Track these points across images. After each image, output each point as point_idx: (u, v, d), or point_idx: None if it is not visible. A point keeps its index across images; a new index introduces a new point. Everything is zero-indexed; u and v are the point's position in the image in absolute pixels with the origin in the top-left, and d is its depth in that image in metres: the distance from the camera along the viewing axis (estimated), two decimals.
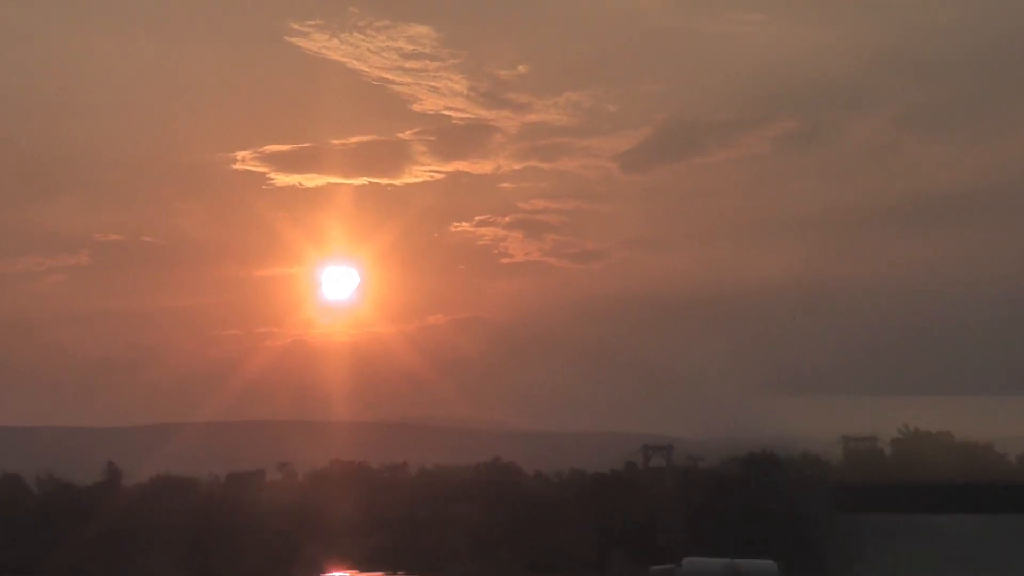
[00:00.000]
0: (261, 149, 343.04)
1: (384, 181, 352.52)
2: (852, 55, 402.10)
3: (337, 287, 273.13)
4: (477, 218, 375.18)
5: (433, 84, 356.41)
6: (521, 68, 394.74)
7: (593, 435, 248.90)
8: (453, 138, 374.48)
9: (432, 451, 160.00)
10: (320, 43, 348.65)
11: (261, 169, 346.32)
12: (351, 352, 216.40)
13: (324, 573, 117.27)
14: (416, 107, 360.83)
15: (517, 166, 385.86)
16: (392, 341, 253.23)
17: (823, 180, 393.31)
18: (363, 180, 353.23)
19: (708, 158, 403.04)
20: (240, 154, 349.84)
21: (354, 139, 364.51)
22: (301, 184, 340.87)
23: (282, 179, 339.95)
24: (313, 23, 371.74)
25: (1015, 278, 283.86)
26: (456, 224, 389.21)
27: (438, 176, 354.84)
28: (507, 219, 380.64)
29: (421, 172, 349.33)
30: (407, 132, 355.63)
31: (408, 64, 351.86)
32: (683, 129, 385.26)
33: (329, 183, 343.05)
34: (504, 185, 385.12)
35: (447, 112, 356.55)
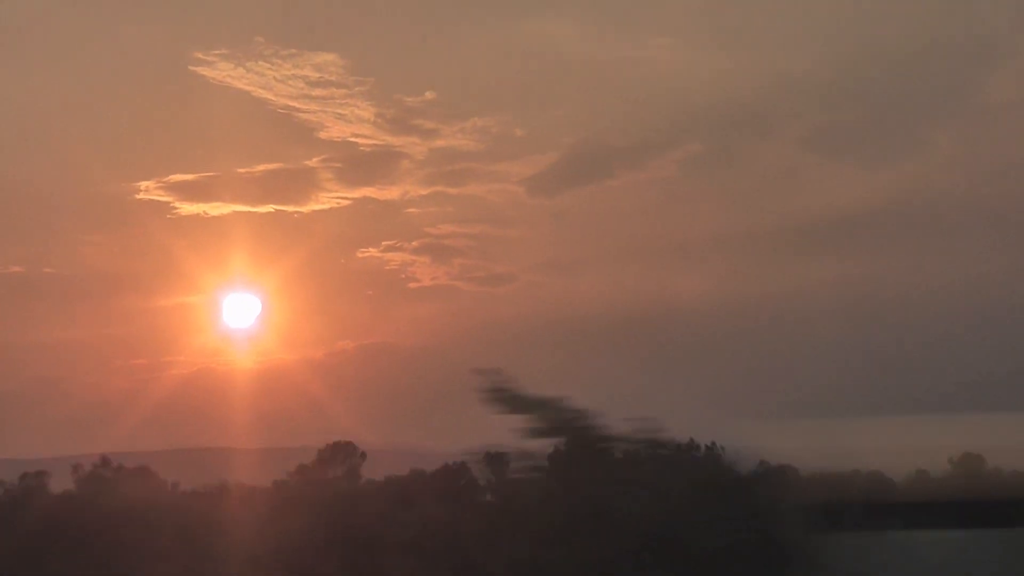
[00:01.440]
0: (165, 179, 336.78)
1: (290, 208, 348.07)
2: (756, 79, 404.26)
3: (243, 315, 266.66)
4: (384, 243, 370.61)
5: (340, 111, 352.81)
6: (428, 95, 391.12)
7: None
8: (360, 164, 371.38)
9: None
10: (225, 72, 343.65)
11: (165, 199, 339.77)
12: (258, 379, 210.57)
13: None
14: (323, 134, 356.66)
15: (424, 191, 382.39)
16: (299, 368, 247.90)
17: (730, 202, 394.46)
18: (269, 208, 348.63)
19: (615, 181, 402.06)
20: (144, 184, 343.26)
21: (260, 167, 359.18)
22: (206, 213, 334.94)
23: (187, 208, 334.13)
24: (218, 52, 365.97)
25: (925, 297, 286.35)
26: (363, 250, 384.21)
27: (345, 203, 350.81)
28: (414, 244, 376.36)
29: (328, 199, 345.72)
30: (314, 159, 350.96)
31: (314, 92, 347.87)
32: (590, 153, 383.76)
33: (235, 211, 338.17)
34: (411, 210, 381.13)
35: (354, 139, 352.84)
